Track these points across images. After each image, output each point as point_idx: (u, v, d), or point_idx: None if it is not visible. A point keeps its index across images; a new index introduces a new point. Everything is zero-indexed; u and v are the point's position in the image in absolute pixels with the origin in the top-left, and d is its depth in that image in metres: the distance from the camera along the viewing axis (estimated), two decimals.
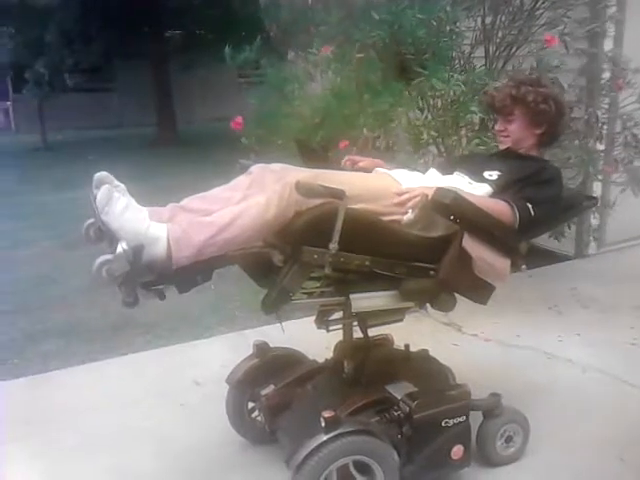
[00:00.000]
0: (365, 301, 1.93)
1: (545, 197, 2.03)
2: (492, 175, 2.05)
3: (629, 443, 2.42)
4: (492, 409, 2.23)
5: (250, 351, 2.37)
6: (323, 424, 1.83)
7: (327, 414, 1.83)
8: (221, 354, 3.07)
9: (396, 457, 1.94)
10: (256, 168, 1.92)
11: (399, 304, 1.98)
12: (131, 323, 3.64)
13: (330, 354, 2.40)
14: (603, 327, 3.45)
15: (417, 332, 3.31)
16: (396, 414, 2.02)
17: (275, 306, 1.83)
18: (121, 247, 1.55)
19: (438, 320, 3.55)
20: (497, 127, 2.24)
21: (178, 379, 2.94)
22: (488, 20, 3.67)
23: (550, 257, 4.49)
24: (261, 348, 2.35)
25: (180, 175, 7.21)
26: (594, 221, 4.51)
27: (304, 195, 1.67)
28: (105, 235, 1.68)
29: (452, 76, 3.21)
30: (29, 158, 11.29)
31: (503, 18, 3.65)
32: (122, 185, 1.72)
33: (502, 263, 1.96)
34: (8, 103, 15.88)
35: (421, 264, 1.90)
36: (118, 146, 11.64)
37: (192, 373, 2.97)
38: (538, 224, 2.04)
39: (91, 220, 1.74)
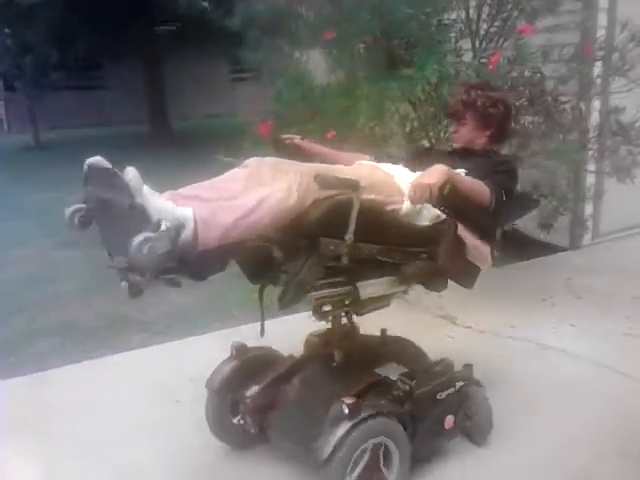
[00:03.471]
0: (369, 288, 2.01)
1: (510, 186, 2.20)
2: (459, 173, 2.11)
3: (626, 435, 2.43)
4: (470, 378, 2.31)
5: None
6: (346, 411, 1.86)
7: (349, 400, 1.87)
8: (217, 351, 3.06)
9: (405, 434, 2.02)
10: (252, 161, 1.93)
11: (398, 288, 2.09)
12: (126, 321, 3.64)
13: (295, 351, 2.40)
14: (598, 317, 3.47)
15: (412, 324, 3.31)
16: (396, 393, 2.07)
17: (294, 301, 1.87)
18: (165, 225, 1.54)
19: (433, 313, 3.56)
20: (451, 129, 2.44)
21: (174, 376, 2.94)
22: (472, 13, 3.68)
23: (545, 248, 4.51)
24: (240, 349, 2.31)
25: (177, 172, 7.21)
26: (587, 212, 4.53)
27: (322, 186, 1.73)
28: (134, 218, 1.59)
29: (427, 62, 3.22)
30: (22, 158, 11.24)
31: (487, 10, 3.66)
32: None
33: (485, 249, 2.18)
34: (0, 102, 15.79)
35: (418, 249, 2.01)
36: (112, 144, 11.60)
37: (188, 370, 2.96)
38: (504, 211, 2.17)
39: (76, 206, 1.72)
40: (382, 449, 1.99)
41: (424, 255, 2.01)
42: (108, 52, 12.89)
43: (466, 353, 3.04)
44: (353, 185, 1.75)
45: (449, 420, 2.17)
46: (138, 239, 1.50)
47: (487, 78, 3.17)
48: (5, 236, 5.74)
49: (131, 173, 1.60)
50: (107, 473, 2.30)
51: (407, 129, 3.57)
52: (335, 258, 1.82)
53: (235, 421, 2.29)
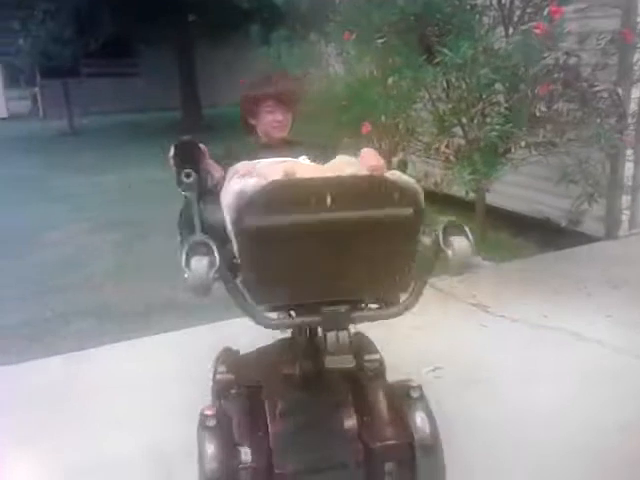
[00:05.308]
0: None
1: None
2: (306, 160, 2.07)
3: None
4: None
5: None
6: (418, 393, 1.85)
7: (414, 384, 1.87)
8: (250, 332, 3.07)
9: None
10: (244, 165, 1.90)
11: None
12: (160, 303, 3.69)
13: None
14: (634, 308, 3.40)
15: (445, 314, 3.31)
16: (372, 374, 2.02)
17: None
18: None
19: (465, 301, 3.53)
20: (278, 118, 2.27)
21: (209, 357, 2.97)
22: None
23: (580, 238, 4.43)
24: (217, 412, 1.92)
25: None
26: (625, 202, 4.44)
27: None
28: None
29: (462, 44, 3.19)
30: (57, 143, 11.43)
31: None
32: None
33: None
34: (36, 89, 16.04)
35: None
36: (144, 130, 11.74)
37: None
38: None
39: (209, 258, 1.53)
40: None
41: None
42: (142, 39, 12.96)
43: (498, 342, 3.03)
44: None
45: None
46: None
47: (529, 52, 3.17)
48: (41, 219, 5.86)
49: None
50: (144, 450, 2.34)
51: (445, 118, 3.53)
52: None
53: None
